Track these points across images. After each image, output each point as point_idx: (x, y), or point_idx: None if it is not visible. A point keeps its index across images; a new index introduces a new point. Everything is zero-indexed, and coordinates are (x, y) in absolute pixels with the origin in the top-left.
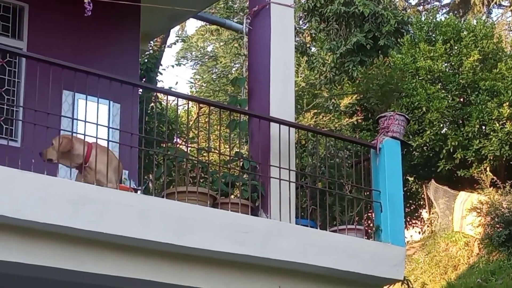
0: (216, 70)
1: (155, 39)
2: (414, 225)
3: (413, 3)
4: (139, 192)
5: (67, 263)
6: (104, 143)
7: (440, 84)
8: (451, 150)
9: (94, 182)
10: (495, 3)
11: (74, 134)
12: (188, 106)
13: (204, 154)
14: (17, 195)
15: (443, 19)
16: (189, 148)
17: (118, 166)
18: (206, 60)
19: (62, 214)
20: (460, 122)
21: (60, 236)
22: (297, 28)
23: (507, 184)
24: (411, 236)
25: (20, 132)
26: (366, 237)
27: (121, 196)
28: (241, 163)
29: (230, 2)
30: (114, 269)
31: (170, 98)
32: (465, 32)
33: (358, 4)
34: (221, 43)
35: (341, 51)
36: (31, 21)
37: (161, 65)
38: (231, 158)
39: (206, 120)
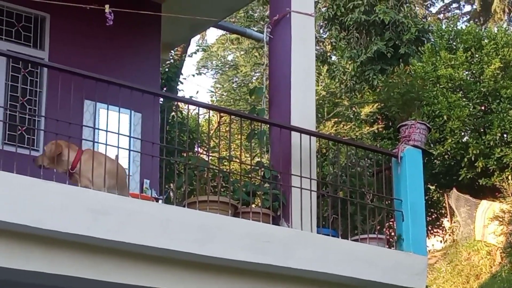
0: (237, 79)
1: (176, 48)
2: (436, 234)
3: (434, 11)
4: (160, 201)
5: (88, 273)
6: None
7: (461, 92)
8: (473, 159)
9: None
10: None
11: (95, 143)
12: (209, 115)
13: (225, 163)
14: (39, 204)
15: (464, 27)
16: (210, 157)
17: (117, 172)
18: (227, 69)
19: (83, 224)
20: (482, 130)
21: (81, 246)
22: (318, 37)
23: None
24: (433, 245)
25: (42, 142)
26: (387, 246)
27: (142, 206)
28: (262, 172)
29: (251, 11)
30: (135, 278)
31: (191, 107)
32: (486, 40)
33: (378, 12)
34: (242, 52)
35: (361, 60)
36: (53, 31)
37: (182, 74)
38: (252, 167)
39: (227, 129)
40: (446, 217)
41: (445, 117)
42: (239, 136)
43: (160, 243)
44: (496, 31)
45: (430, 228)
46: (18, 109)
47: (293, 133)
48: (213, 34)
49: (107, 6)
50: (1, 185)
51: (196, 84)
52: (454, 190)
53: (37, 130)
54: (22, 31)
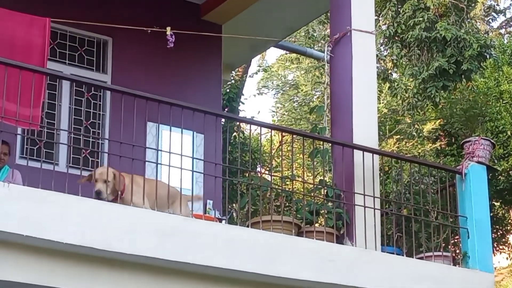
0: (297, 99)
1: (237, 69)
2: (502, 250)
3: (495, 26)
4: (223, 222)
5: None
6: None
7: None
8: None
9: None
10: None
11: (158, 165)
12: (271, 134)
13: (288, 183)
14: (105, 227)
15: None
16: (272, 177)
17: (168, 192)
18: (287, 88)
19: (149, 245)
20: None
21: (147, 267)
22: (379, 55)
23: None
24: (499, 262)
25: (106, 164)
26: (453, 264)
27: (207, 226)
28: (325, 191)
29: (311, 31)
30: None
31: (253, 127)
32: None
33: (440, 29)
34: (302, 71)
35: (423, 77)
36: (115, 55)
37: (243, 94)
38: (315, 186)
39: (289, 148)
40: (511, 233)
41: (509, 133)
42: (301, 155)
43: (225, 263)
44: None
45: (495, 245)
46: (82, 132)
47: (355, 151)
48: (273, 54)
49: (168, 29)
50: (68, 208)
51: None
52: None
53: (101, 153)
54: (85, 55)
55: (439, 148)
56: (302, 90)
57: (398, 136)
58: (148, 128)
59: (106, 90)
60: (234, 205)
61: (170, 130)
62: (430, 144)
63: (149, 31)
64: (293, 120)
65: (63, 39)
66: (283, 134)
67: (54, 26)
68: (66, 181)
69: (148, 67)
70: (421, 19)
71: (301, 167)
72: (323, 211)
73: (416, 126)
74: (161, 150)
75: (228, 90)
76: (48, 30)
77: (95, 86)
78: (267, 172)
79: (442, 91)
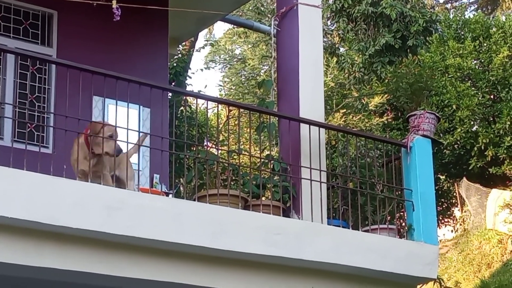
0: (245, 73)
1: (184, 43)
2: (447, 223)
3: (441, 1)
4: (170, 196)
5: (101, 268)
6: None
7: (470, 81)
8: (482, 148)
9: None
10: None
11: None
12: (217, 109)
13: (235, 157)
14: (51, 201)
15: (471, 16)
16: (219, 151)
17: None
18: (235, 63)
19: (96, 220)
20: (491, 119)
21: (94, 241)
22: (325, 29)
23: None
24: (444, 234)
25: (52, 139)
26: (398, 237)
27: (154, 200)
28: (272, 164)
29: (258, 4)
30: (149, 273)
31: (200, 101)
32: (494, 29)
33: (385, 6)
34: (249, 46)
35: (370, 52)
36: (60, 28)
37: (190, 68)
38: (262, 160)
39: (236, 122)
40: (456, 206)
41: (454, 107)
42: (248, 130)
43: (172, 237)
44: (504, 20)
45: (440, 218)
46: (27, 106)
47: (302, 125)
48: (220, 29)
49: (114, 2)
50: (12, 182)
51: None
52: (464, 179)
53: (46, 127)
54: (30, 28)
55: (385, 122)
56: (249, 64)
57: (345, 110)
58: (94, 102)
59: (52, 63)
60: (181, 179)
61: (116, 104)
62: (377, 118)
63: (94, 4)
64: (240, 94)
65: (7, 12)
66: (230, 108)
67: None
68: (11, 155)
69: (94, 40)
70: None
71: (248, 141)
72: (269, 184)
73: (362, 100)
74: (107, 124)
75: (175, 64)
76: None
77: (40, 59)
78: (214, 146)
79: (388, 66)
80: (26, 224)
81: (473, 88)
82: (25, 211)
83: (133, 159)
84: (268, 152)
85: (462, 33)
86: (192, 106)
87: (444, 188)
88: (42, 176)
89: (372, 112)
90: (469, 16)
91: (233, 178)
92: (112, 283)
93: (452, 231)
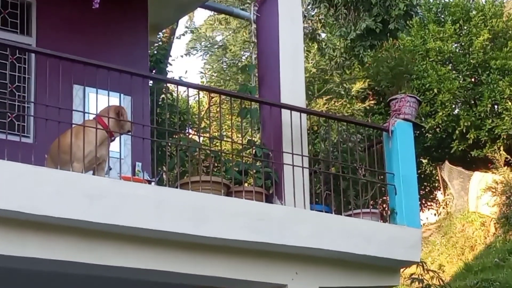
0: (226, 59)
1: (164, 30)
2: (430, 207)
3: None
4: (153, 183)
5: (83, 257)
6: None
7: (450, 65)
8: (464, 131)
9: None
10: None
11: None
12: (199, 96)
13: (217, 143)
14: (33, 191)
15: None
16: (201, 138)
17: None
18: (216, 49)
19: (77, 208)
20: (472, 102)
21: (76, 230)
22: (306, 14)
23: None
24: (427, 218)
25: (32, 128)
26: (381, 221)
27: (136, 188)
28: (254, 150)
29: None
30: (132, 261)
31: (181, 88)
32: (474, 12)
33: None
34: (230, 32)
35: (351, 37)
36: (39, 17)
37: (171, 56)
38: (244, 146)
39: (218, 109)
40: (439, 190)
41: (435, 90)
42: (230, 116)
43: (155, 225)
44: (483, 3)
45: (423, 202)
46: (7, 96)
47: (283, 110)
48: (201, 16)
49: None
50: None
51: (186, 66)
52: (447, 162)
53: (27, 117)
54: (9, 17)
55: (367, 107)
56: (230, 51)
57: (327, 96)
58: (74, 91)
59: (31, 52)
60: (163, 166)
61: (97, 93)
62: (359, 103)
63: None
64: (222, 81)
65: None
66: (212, 95)
67: None
68: None
69: (74, 29)
70: None
71: (230, 128)
72: (252, 171)
73: (344, 85)
74: (88, 113)
75: (155, 52)
76: None
77: (19, 49)
78: (195, 133)
79: (369, 50)
80: (8, 214)
81: (454, 72)
82: (7, 201)
83: (115, 146)
84: (250, 138)
85: (443, 16)
86: (173, 94)
87: (427, 171)
88: (24, 166)
89: (354, 98)
90: (449, 0)
91: (215, 164)
92: (95, 271)
93: (435, 214)
